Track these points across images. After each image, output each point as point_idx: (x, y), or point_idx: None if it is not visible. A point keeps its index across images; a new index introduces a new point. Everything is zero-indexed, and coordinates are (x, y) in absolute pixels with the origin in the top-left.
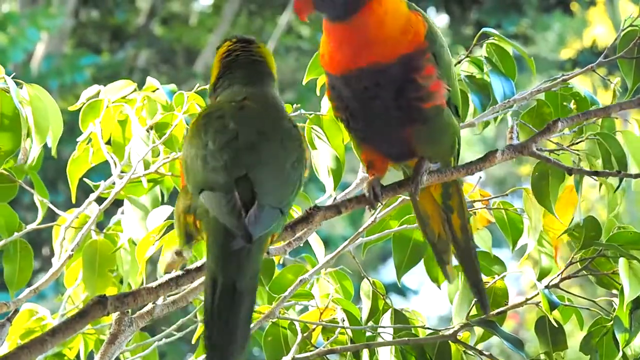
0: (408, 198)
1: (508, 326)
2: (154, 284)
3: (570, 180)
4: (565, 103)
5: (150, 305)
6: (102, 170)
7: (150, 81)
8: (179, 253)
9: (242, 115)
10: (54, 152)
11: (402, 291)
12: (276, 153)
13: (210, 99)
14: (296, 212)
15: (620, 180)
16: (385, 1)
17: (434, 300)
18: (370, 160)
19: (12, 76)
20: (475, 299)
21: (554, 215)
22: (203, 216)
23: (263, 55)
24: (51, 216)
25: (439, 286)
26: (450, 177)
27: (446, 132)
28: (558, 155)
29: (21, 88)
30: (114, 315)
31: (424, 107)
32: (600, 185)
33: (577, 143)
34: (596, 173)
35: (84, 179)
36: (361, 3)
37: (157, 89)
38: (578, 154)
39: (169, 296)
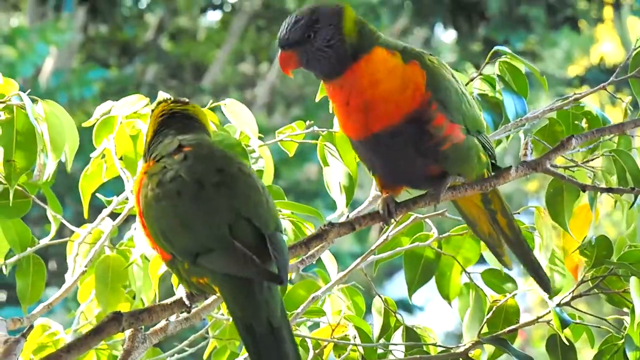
0: (421, 216)
1: (515, 343)
2: (168, 301)
3: (584, 198)
4: (576, 122)
5: (163, 322)
6: (111, 186)
7: (162, 95)
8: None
9: (190, 164)
10: (68, 169)
11: (408, 307)
12: (245, 182)
13: (145, 158)
14: (308, 228)
15: (636, 197)
16: (374, 60)
17: (440, 317)
18: (385, 184)
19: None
20: (538, 284)
21: (569, 233)
22: (206, 274)
23: (196, 112)
24: (59, 231)
25: (449, 303)
26: (464, 194)
27: (468, 156)
28: (573, 172)
29: (36, 104)
30: (128, 332)
31: (443, 149)
32: (615, 202)
33: (591, 160)
34: (610, 190)
35: (97, 195)
36: (347, 62)
37: None
38: (593, 171)
39: (182, 312)
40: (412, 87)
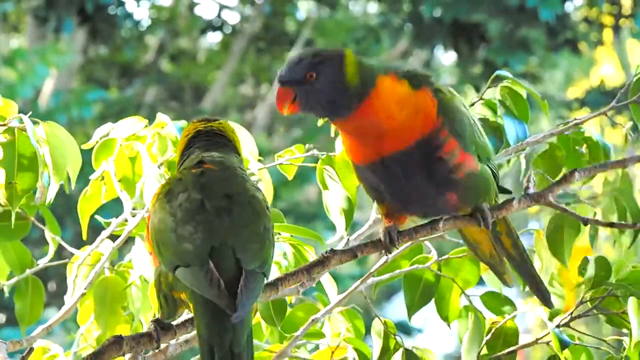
0: (420, 238)
1: None
2: (175, 322)
3: (585, 235)
4: (577, 147)
5: (163, 345)
6: (109, 208)
7: (160, 117)
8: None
9: (204, 182)
10: (67, 189)
11: (407, 329)
12: (248, 216)
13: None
14: (308, 251)
15: (636, 234)
16: (383, 93)
17: (439, 338)
18: (390, 212)
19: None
20: (539, 299)
21: (567, 268)
22: (186, 289)
23: (223, 129)
24: (58, 253)
25: (449, 325)
26: (465, 225)
27: (486, 186)
28: (575, 208)
29: (37, 126)
30: (128, 355)
31: (459, 176)
32: (614, 242)
33: (593, 198)
34: (612, 224)
35: (95, 216)
36: (357, 101)
37: (167, 125)
38: (593, 207)
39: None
40: (422, 113)
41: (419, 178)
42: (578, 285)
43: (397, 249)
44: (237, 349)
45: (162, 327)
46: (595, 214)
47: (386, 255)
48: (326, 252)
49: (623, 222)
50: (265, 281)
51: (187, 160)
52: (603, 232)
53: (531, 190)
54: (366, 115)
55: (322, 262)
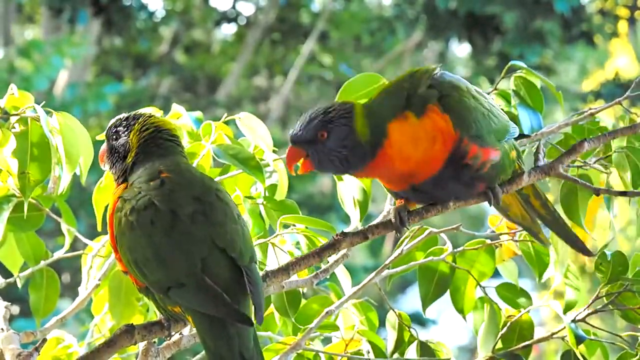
0: (435, 230)
1: (529, 358)
2: None
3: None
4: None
5: (177, 336)
6: None
7: (176, 108)
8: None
9: (167, 191)
10: (83, 181)
11: (422, 321)
12: (222, 211)
13: (120, 179)
14: (322, 242)
15: None
16: (396, 140)
17: (454, 330)
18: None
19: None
20: (578, 251)
21: (584, 229)
22: (181, 304)
23: (176, 131)
24: (73, 244)
25: (464, 317)
26: (476, 203)
27: (505, 165)
28: (586, 170)
29: (50, 116)
30: (141, 345)
31: (485, 170)
32: (630, 201)
33: (604, 158)
34: (624, 193)
35: None
36: (371, 154)
37: (182, 115)
38: (606, 172)
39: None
40: (440, 136)
41: (451, 185)
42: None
43: (408, 229)
44: (247, 354)
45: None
46: (609, 174)
47: (397, 235)
48: (337, 235)
49: (635, 191)
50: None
51: (141, 168)
52: (618, 226)
53: (541, 163)
54: (383, 165)
55: (332, 245)
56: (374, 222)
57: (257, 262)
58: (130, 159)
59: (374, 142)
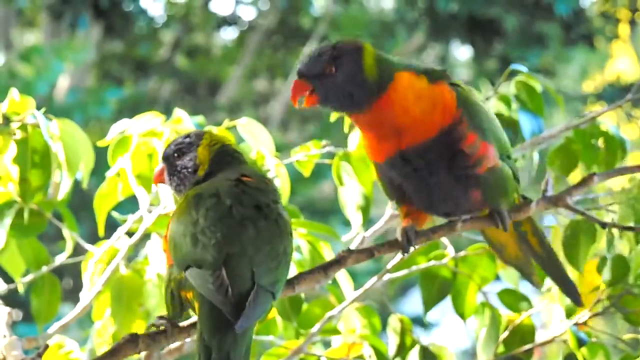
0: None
1: None
2: (185, 323)
3: (601, 242)
4: (593, 140)
5: (179, 342)
6: (124, 204)
7: (177, 113)
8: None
9: (237, 191)
10: (85, 185)
11: (424, 324)
12: (272, 231)
13: (186, 188)
14: (324, 247)
15: None
16: (401, 87)
17: (455, 333)
18: (410, 212)
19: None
20: (570, 298)
21: (582, 275)
22: (193, 289)
23: (224, 139)
24: (74, 249)
25: (464, 321)
26: (483, 227)
27: (507, 184)
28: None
29: (51, 122)
30: (143, 352)
31: (480, 173)
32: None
33: (610, 204)
34: (631, 229)
35: (112, 213)
36: (375, 95)
37: (184, 120)
38: (613, 212)
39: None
40: (441, 105)
41: (441, 172)
42: (595, 289)
43: (415, 248)
44: (233, 355)
45: (172, 324)
46: (612, 219)
47: (403, 254)
48: (343, 252)
49: None
50: (273, 302)
51: (222, 172)
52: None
53: (549, 193)
54: (384, 108)
55: (338, 262)
56: (377, 230)
57: (276, 295)
58: (202, 172)
59: (380, 84)
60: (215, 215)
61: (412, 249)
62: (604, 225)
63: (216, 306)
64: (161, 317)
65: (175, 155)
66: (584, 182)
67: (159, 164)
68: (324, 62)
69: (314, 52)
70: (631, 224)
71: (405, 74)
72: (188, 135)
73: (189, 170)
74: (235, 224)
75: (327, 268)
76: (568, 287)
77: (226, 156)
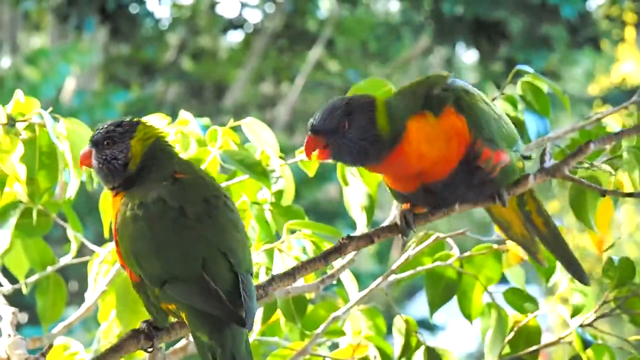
0: (442, 235)
1: None
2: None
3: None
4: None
5: (184, 341)
6: None
7: (183, 115)
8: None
9: (177, 189)
10: (88, 187)
11: (430, 326)
12: (227, 218)
13: (119, 185)
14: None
15: None
16: (413, 137)
17: (462, 336)
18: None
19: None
20: (574, 277)
21: (593, 230)
22: (175, 301)
23: (158, 131)
24: (80, 250)
25: (471, 322)
26: (482, 205)
27: (513, 172)
28: (594, 171)
29: (57, 122)
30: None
31: (495, 175)
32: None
33: (611, 159)
34: (630, 194)
35: None
36: (389, 148)
37: (190, 122)
38: (613, 174)
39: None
40: (455, 138)
41: (461, 188)
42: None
43: (414, 232)
44: (238, 355)
45: (156, 327)
46: (615, 175)
47: (403, 238)
48: (342, 239)
49: None
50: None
51: (152, 176)
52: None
53: (547, 164)
54: (399, 160)
55: (338, 249)
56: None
57: (253, 275)
58: (134, 166)
59: (393, 137)
60: (170, 220)
61: (411, 232)
62: (603, 193)
63: (208, 313)
64: (146, 322)
65: (106, 143)
66: (581, 150)
67: (85, 147)
68: (338, 117)
69: (327, 107)
70: (636, 175)
71: (415, 120)
72: (120, 124)
73: (119, 162)
74: (193, 224)
75: (327, 256)
76: (573, 266)
77: (157, 151)
